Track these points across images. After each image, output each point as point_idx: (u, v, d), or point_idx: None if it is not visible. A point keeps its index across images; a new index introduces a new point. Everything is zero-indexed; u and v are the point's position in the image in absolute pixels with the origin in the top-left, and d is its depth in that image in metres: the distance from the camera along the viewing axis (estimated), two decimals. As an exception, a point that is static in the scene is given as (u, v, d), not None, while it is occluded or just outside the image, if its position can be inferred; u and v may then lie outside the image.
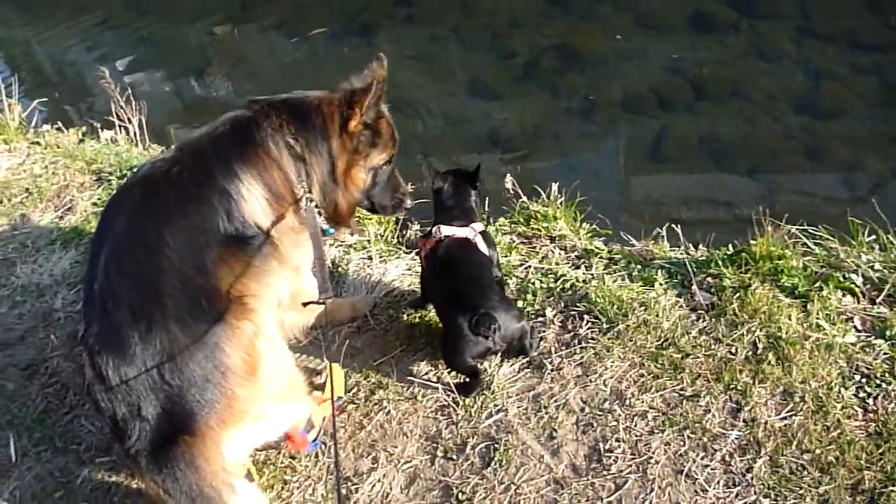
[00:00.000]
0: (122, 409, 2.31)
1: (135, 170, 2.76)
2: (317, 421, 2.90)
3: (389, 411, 3.05)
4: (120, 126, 5.53)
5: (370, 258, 3.85)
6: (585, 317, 3.23)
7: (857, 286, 3.24)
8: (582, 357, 3.08)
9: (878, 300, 3.19)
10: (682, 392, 2.89)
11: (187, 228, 2.48)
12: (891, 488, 2.51)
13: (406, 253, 3.88)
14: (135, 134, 5.52)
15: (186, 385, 2.30)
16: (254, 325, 2.47)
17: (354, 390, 3.14)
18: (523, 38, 7.02)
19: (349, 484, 2.85)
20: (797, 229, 3.55)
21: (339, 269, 3.77)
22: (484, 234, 3.20)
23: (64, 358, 3.44)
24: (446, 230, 3.11)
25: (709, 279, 3.37)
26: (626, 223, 4.25)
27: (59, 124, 5.67)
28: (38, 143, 5.41)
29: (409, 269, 3.73)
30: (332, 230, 2.87)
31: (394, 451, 2.92)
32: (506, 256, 3.68)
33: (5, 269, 4.14)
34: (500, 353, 3.05)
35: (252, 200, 2.59)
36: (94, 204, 4.60)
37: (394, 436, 2.97)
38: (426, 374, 3.15)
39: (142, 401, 2.29)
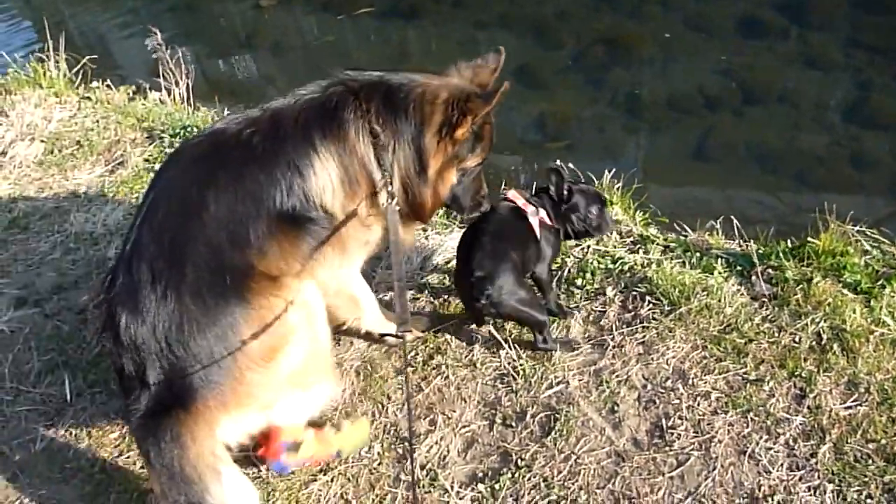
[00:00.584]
0: (130, 366, 2.27)
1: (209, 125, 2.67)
2: (303, 451, 2.68)
3: (448, 376, 3.05)
4: (166, 88, 5.54)
5: (424, 230, 3.84)
6: (647, 298, 3.23)
7: (920, 286, 3.23)
8: (644, 336, 3.08)
9: (940, 301, 3.17)
10: (745, 376, 2.89)
11: (237, 194, 2.36)
12: (958, 482, 2.50)
13: (460, 227, 3.88)
14: (182, 96, 5.53)
15: (191, 360, 2.23)
16: (284, 302, 2.36)
17: (413, 353, 3.13)
18: (570, 31, 7.00)
19: (406, 443, 2.85)
20: (856, 230, 3.55)
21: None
22: (547, 226, 3.09)
23: (92, 304, 3.46)
24: (513, 195, 3.09)
25: (769, 270, 3.37)
26: (676, 215, 4.24)
27: (109, 82, 5.67)
28: (88, 98, 5.42)
29: (465, 242, 3.72)
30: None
31: (452, 416, 2.93)
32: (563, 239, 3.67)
33: (59, 217, 4.17)
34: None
35: (323, 177, 2.45)
36: (146, 160, 4.62)
37: (452, 400, 2.98)
38: (486, 342, 3.14)
39: (147, 364, 2.24)
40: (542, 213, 3.07)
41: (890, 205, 5.18)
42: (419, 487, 2.73)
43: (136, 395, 2.26)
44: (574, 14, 7.24)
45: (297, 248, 2.45)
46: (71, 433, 3.01)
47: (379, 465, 2.82)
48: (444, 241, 3.72)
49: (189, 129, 4.70)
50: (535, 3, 7.47)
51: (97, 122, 5.05)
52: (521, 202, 3.07)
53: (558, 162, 4.22)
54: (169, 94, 5.47)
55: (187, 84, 5.57)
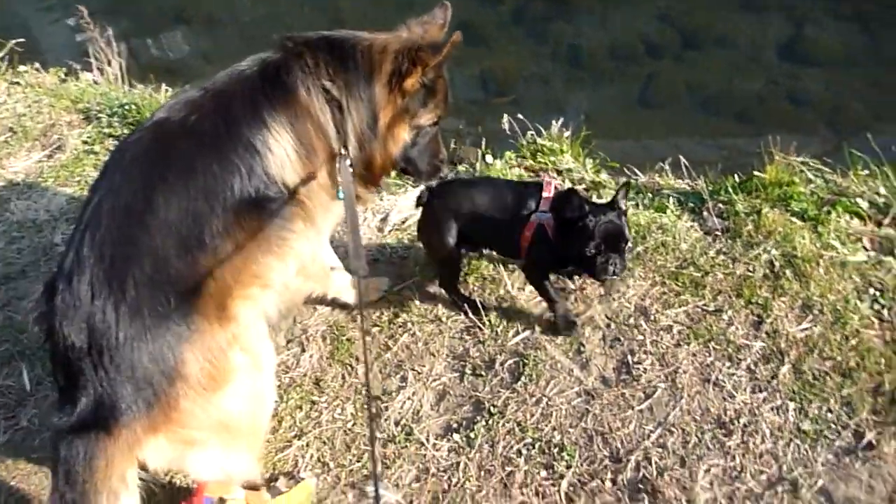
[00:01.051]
0: (62, 381, 2.14)
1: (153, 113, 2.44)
2: None
3: (415, 333, 3.06)
4: (98, 68, 5.35)
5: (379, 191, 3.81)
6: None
7: (864, 210, 3.34)
8: (604, 277, 3.12)
9: (884, 223, 3.29)
10: (704, 307, 2.96)
11: (190, 191, 2.18)
12: (910, 389, 2.62)
13: (413, 186, 3.86)
14: (115, 75, 5.35)
15: (122, 380, 2.05)
16: (231, 335, 2.21)
17: (378, 314, 3.13)
18: (502, -13, 6.96)
19: (379, 402, 2.86)
20: (800, 161, 3.64)
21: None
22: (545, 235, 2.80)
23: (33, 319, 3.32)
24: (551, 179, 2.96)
25: (720, 205, 3.44)
26: (626, 161, 4.29)
27: (37, 65, 5.46)
28: (17, 83, 5.21)
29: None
30: (342, 195, 2.43)
31: (422, 370, 2.94)
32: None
33: (-1, 206, 4.02)
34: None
35: (280, 153, 2.30)
36: (85, 142, 4.47)
37: (420, 356, 2.99)
38: (447, 298, 3.15)
39: (79, 381, 2.08)
40: (549, 218, 2.78)
41: (829, 137, 5.32)
42: (394, 443, 2.75)
43: (66, 408, 2.09)
44: (513, -32, 7.19)
45: (259, 238, 2.29)
46: (34, 423, 2.94)
47: (353, 425, 2.83)
48: (399, 202, 3.71)
49: (127, 107, 4.56)
50: (471, -42, 7.40)
51: (29, 106, 4.85)
52: (549, 191, 2.83)
53: (506, 118, 4.24)
54: (102, 74, 5.29)
55: (120, 63, 5.39)
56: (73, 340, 2.06)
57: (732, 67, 5.99)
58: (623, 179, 3.83)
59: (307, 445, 2.78)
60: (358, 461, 2.72)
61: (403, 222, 3.58)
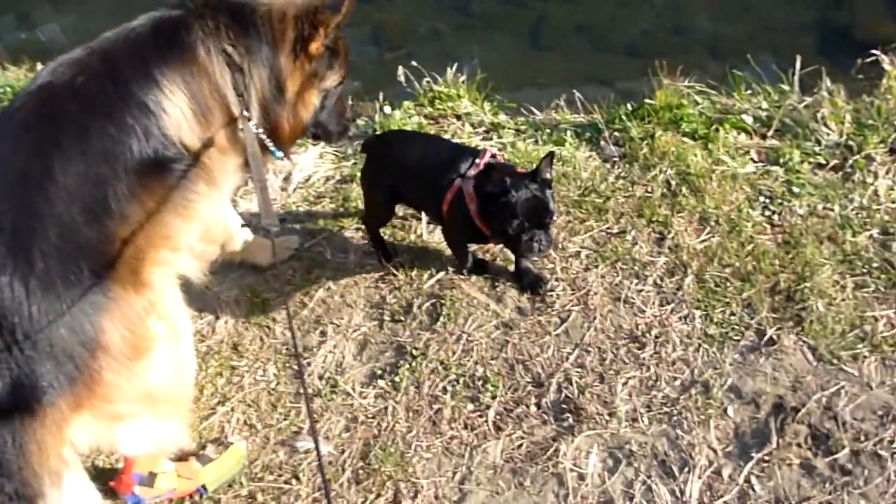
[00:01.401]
0: None
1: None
2: (160, 484, 2.43)
3: (329, 287, 3.04)
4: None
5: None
6: (507, 176, 3.31)
7: (749, 125, 3.50)
8: (511, 212, 3.17)
9: (768, 135, 3.45)
10: (609, 231, 3.06)
11: (86, 156, 2.07)
12: (803, 285, 2.79)
13: (313, 144, 3.80)
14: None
15: (40, 357, 1.94)
16: (147, 302, 2.13)
17: (291, 272, 3.10)
18: (390, -62, 6.85)
19: (302, 359, 2.84)
20: (686, 86, 3.77)
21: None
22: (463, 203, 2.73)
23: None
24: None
25: (615, 133, 3.53)
26: (523, 102, 4.33)
27: None
28: None
29: (321, 157, 3.66)
30: (278, 154, 2.49)
31: (340, 323, 2.94)
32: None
33: None
34: None
35: (175, 113, 2.20)
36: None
37: (338, 309, 2.98)
38: (362, 246, 3.15)
39: None
40: (470, 185, 2.69)
41: (714, 63, 5.49)
42: (321, 397, 2.75)
43: None
44: (391, -78, 7.07)
45: (165, 200, 2.20)
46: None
47: (277, 385, 2.81)
48: (300, 160, 3.64)
49: (2, 89, 4.30)
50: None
51: None
52: (482, 159, 2.73)
53: (401, 70, 4.21)
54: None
55: (-13, 47, 5.07)
56: None
57: (619, 5, 6.11)
58: (522, 119, 3.90)
59: (232, 410, 2.75)
60: (285, 419, 2.71)
61: (307, 180, 3.53)
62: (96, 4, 6.86)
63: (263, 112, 2.40)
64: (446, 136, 3.63)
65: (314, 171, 3.56)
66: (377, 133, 2.94)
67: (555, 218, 2.65)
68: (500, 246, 2.92)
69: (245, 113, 2.30)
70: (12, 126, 2.12)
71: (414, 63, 4.11)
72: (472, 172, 2.69)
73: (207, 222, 2.48)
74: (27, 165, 2.03)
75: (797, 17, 5.88)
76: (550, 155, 2.63)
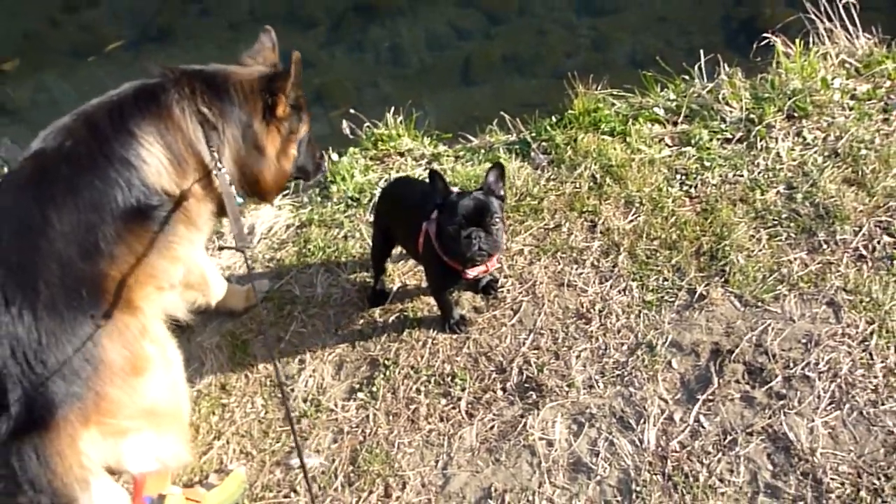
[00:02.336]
0: None
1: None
2: None
3: (303, 320, 3.29)
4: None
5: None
6: (450, 196, 3.62)
7: (661, 116, 3.85)
8: (456, 226, 3.46)
9: (678, 121, 3.80)
10: (546, 227, 3.36)
11: (77, 206, 2.35)
12: (723, 243, 3.11)
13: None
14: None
15: (52, 376, 2.18)
16: (140, 325, 2.40)
17: (266, 313, 3.35)
18: (320, 8, 7.27)
19: (285, 387, 3.08)
20: (601, 91, 4.13)
21: (217, 227, 3.91)
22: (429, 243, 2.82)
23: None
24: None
25: (543, 143, 3.86)
26: (460, 131, 4.66)
27: None
28: None
29: (279, 208, 3.95)
30: (241, 200, 2.75)
31: (316, 350, 3.18)
32: (365, 176, 3.99)
33: None
34: None
35: (154, 162, 2.47)
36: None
37: (312, 337, 3.23)
38: (325, 280, 3.41)
39: (8, 387, 2.17)
40: (433, 227, 2.75)
41: (629, 68, 5.88)
42: (307, 417, 2.97)
43: None
44: (318, -10, 7.52)
45: (150, 242, 2.48)
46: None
47: (266, 413, 3.03)
48: (261, 213, 3.92)
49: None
50: (279, -9, 7.67)
51: None
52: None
53: (345, 123, 4.55)
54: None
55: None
56: None
57: (539, 33, 6.53)
58: (459, 146, 4.22)
59: (227, 443, 2.97)
60: (277, 442, 2.93)
61: (269, 230, 3.80)
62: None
63: (240, 167, 2.70)
64: (390, 171, 3.93)
65: (274, 221, 3.84)
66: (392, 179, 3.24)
67: (496, 220, 2.60)
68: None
69: (218, 165, 2.58)
70: (13, 185, 2.44)
71: (353, 111, 4.44)
72: (434, 215, 2.74)
73: (188, 264, 2.76)
74: (28, 215, 2.33)
75: (707, 18, 6.36)
76: (497, 166, 2.69)
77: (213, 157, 2.57)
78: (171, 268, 2.59)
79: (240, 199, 2.74)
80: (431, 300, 3.18)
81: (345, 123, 4.60)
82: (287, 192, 4.07)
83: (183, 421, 2.65)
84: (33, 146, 2.50)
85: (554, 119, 4.04)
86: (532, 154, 3.82)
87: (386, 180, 3.86)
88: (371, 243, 3.29)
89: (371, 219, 3.55)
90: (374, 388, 2.98)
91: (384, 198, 3.20)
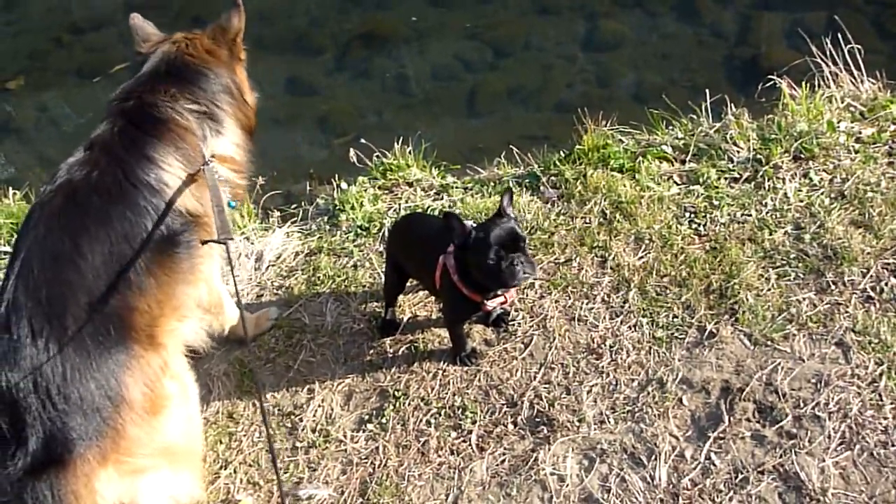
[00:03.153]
0: (6, 424, 2.19)
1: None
2: None
3: (311, 349, 3.30)
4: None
5: (248, 238, 4.04)
6: (460, 228, 3.64)
7: (669, 154, 3.90)
8: (467, 258, 3.48)
9: (686, 160, 3.85)
10: (556, 261, 3.38)
11: (110, 237, 2.38)
12: (732, 282, 3.13)
13: (279, 226, 4.11)
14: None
15: (72, 411, 2.18)
16: (162, 362, 2.41)
17: (273, 341, 3.35)
18: (326, 35, 7.35)
19: (293, 416, 3.08)
20: (609, 128, 4.19)
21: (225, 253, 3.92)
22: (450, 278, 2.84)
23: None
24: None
25: (552, 177, 3.90)
26: (465, 163, 4.70)
27: None
28: None
29: (288, 236, 3.97)
30: (234, 204, 2.85)
31: (325, 379, 3.18)
32: (374, 205, 4.02)
33: None
34: None
35: (175, 183, 2.53)
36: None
37: (321, 366, 3.23)
38: (335, 309, 3.42)
39: (27, 421, 2.17)
40: (451, 261, 2.79)
41: (637, 106, 5.95)
42: (315, 447, 2.97)
43: (12, 452, 2.17)
44: (325, 19, 7.59)
45: (174, 270, 2.51)
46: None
47: (273, 443, 3.02)
48: (270, 241, 3.94)
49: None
50: (286, 17, 7.75)
51: None
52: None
53: (352, 151, 4.58)
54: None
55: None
56: (15, 382, 2.17)
57: (543, 67, 6.62)
58: (468, 178, 4.26)
59: (234, 472, 2.95)
60: (285, 472, 2.92)
61: (278, 257, 3.81)
62: (51, 135, 7.20)
63: (242, 125, 2.85)
64: (399, 201, 3.96)
65: (283, 248, 3.85)
66: (401, 216, 3.36)
67: (526, 241, 2.68)
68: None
69: (208, 159, 2.62)
70: (44, 215, 2.44)
71: (363, 141, 4.48)
72: (451, 248, 2.79)
73: (209, 283, 2.82)
74: (60, 246, 2.35)
75: (708, 56, 6.46)
76: (508, 191, 2.77)
77: (204, 153, 2.63)
78: (194, 292, 2.63)
79: (233, 203, 2.83)
80: (441, 331, 3.20)
81: (352, 152, 4.64)
82: (295, 219, 4.11)
83: (198, 457, 2.65)
84: (58, 178, 2.51)
85: (563, 154, 4.08)
86: (541, 188, 3.86)
87: (395, 212, 3.89)
88: (384, 279, 3.29)
89: (381, 250, 3.56)
90: (384, 420, 2.98)
91: (396, 234, 3.23)
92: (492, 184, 4.02)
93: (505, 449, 2.83)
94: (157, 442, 2.35)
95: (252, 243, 3.96)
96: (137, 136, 2.55)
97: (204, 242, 2.64)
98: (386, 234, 3.60)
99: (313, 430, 3.03)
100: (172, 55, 2.75)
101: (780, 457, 2.63)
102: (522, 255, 2.62)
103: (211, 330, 3.04)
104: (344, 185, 4.31)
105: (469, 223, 2.77)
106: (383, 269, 3.35)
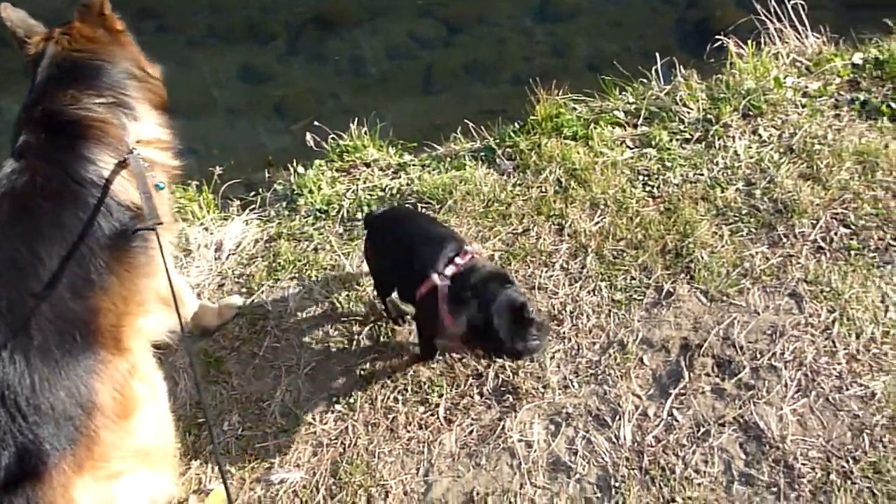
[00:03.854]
0: None
1: None
2: None
3: (276, 335, 3.29)
4: None
5: (206, 229, 4.01)
6: (419, 205, 3.65)
7: (621, 119, 3.93)
8: (426, 234, 3.49)
9: (638, 124, 3.89)
10: (514, 231, 3.41)
11: (65, 239, 2.32)
12: (687, 241, 3.19)
13: (237, 215, 4.08)
14: None
15: (43, 422, 2.11)
16: (129, 365, 2.36)
17: (237, 330, 3.34)
18: (278, 21, 7.26)
19: (261, 403, 3.08)
20: (563, 97, 4.20)
21: (184, 245, 3.89)
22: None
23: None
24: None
25: (508, 149, 3.92)
26: (425, 141, 4.70)
27: None
28: None
29: (247, 223, 3.95)
30: (163, 185, 2.73)
31: (291, 364, 3.18)
32: (332, 188, 4.01)
33: None
34: None
35: (117, 179, 2.47)
36: None
37: (285, 351, 3.23)
38: (298, 294, 3.42)
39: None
40: (445, 286, 2.59)
41: (588, 72, 5.97)
42: (285, 432, 2.97)
43: None
44: (276, 4, 7.50)
45: (133, 264, 2.47)
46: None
47: (242, 430, 3.02)
48: (229, 230, 3.91)
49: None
50: (237, 5, 7.64)
51: None
52: (463, 259, 2.64)
53: (308, 135, 4.56)
54: None
55: None
56: None
57: (498, 41, 6.61)
58: (425, 155, 4.25)
59: (205, 462, 2.95)
60: (256, 459, 2.92)
61: (237, 246, 3.79)
62: None
63: (156, 105, 2.77)
64: (357, 182, 3.95)
65: (243, 236, 3.83)
66: (380, 210, 3.15)
67: (533, 308, 2.46)
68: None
69: (131, 148, 2.56)
70: None
71: (316, 123, 4.46)
72: (450, 271, 2.60)
73: (166, 273, 2.71)
74: (16, 254, 2.28)
75: (661, 22, 6.49)
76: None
77: (126, 143, 2.56)
78: (154, 284, 2.58)
79: (162, 184, 2.73)
80: (404, 306, 3.20)
81: (309, 136, 4.61)
82: (254, 206, 4.09)
83: (172, 455, 2.63)
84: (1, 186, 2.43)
85: (517, 125, 4.10)
86: (497, 160, 3.87)
87: (353, 193, 3.88)
88: (373, 280, 3.16)
89: (341, 231, 3.55)
90: (352, 399, 2.99)
91: (376, 230, 2.99)
92: (448, 159, 4.03)
93: (472, 420, 2.86)
94: (130, 445, 2.30)
95: (211, 233, 3.94)
96: (66, 139, 2.49)
97: (134, 231, 2.56)
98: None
99: (282, 415, 3.03)
100: (60, 57, 2.64)
101: (740, 408, 2.69)
102: (534, 326, 2.42)
103: (174, 321, 3.01)
104: (301, 170, 4.30)
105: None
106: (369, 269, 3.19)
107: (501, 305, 2.41)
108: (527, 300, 2.45)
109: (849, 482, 2.49)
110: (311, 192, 3.91)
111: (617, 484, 2.61)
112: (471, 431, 2.83)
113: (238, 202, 4.28)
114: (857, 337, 2.81)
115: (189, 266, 3.65)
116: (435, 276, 2.59)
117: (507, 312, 2.40)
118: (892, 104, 3.63)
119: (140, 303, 2.52)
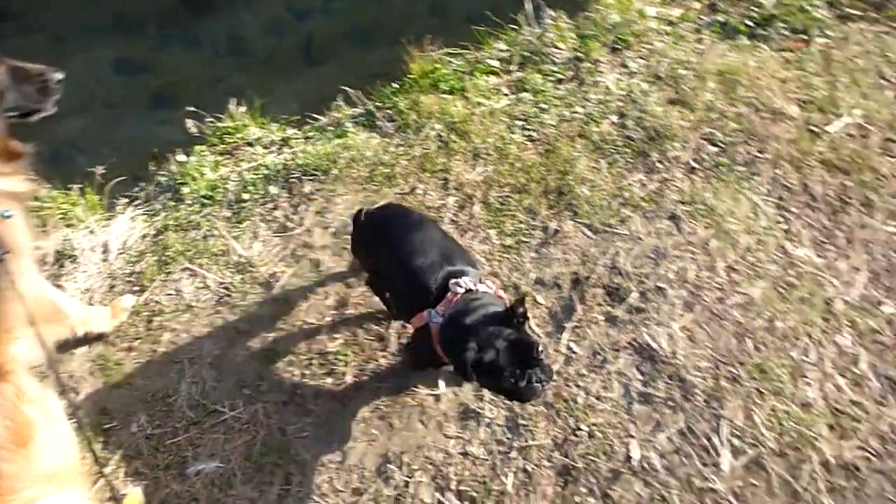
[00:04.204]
0: None
1: None
2: None
3: (174, 328, 3.23)
4: None
5: (91, 231, 3.88)
6: (304, 178, 3.62)
7: (496, 67, 3.95)
8: (316, 205, 3.47)
9: (513, 70, 3.92)
10: (402, 192, 3.41)
11: None
12: (567, 179, 3.26)
13: (121, 212, 3.96)
14: None
15: None
16: (16, 388, 2.28)
17: (134, 329, 3.26)
18: (146, 9, 7.00)
19: (168, 399, 3.02)
20: (436, 52, 4.20)
21: (69, 251, 3.75)
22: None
23: None
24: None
25: (387, 111, 3.90)
26: (305, 114, 4.62)
27: None
28: None
29: (133, 220, 3.83)
30: (9, 213, 2.55)
31: (193, 355, 3.13)
32: (215, 172, 3.92)
33: None
34: None
35: None
36: None
37: (187, 343, 3.17)
38: (191, 284, 3.35)
39: None
40: (438, 321, 2.37)
41: (466, 26, 5.97)
42: (196, 426, 2.94)
43: None
44: (141, -9, 7.22)
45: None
46: None
47: (151, 430, 2.97)
48: (113, 229, 3.79)
49: None
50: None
51: None
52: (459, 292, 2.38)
53: (189, 122, 4.42)
54: None
55: None
56: None
57: (376, 3, 6.54)
58: (308, 127, 4.20)
59: (117, 468, 2.89)
60: (168, 455, 2.88)
61: (124, 244, 3.68)
62: None
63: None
64: (242, 163, 3.87)
65: (129, 234, 3.72)
66: (373, 208, 2.81)
67: (541, 349, 2.28)
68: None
69: None
70: None
71: (194, 108, 4.33)
72: (442, 309, 2.37)
73: (34, 295, 2.64)
74: None
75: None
76: (522, 299, 2.28)
77: None
78: (19, 308, 2.47)
79: (8, 212, 2.58)
80: (301, 282, 3.19)
81: (189, 122, 4.48)
82: (137, 201, 3.97)
83: (80, 471, 2.56)
84: None
85: (395, 86, 4.08)
86: (378, 124, 3.86)
87: (238, 175, 3.80)
88: (367, 276, 2.99)
89: (229, 214, 3.48)
90: (258, 382, 2.97)
91: (368, 230, 2.71)
92: (331, 128, 3.99)
93: (379, 383, 2.88)
94: (35, 471, 2.22)
95: (95, 235, 3.81)
96: None
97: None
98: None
99: (190, 408, 2.99)
100: None
101: (633, 332, 2.79)
102: (538, 366, 2.23)
103: (63, 337, 2.92)
104: (182, 157, 4.19)
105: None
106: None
107: (503, 353, 2.18)
108: (535, 341, 2.25)
109: (738, 385, 2.62)
110: (194, 179, 3.82)
111: (525, 422, 2.68)
112: (380, 394, 2.85)
113: (125, 199, 4.15)
114: (734, 248, 2.94)
115: (75, 272, 3.52)
116: (426, 314, 2.38)
117: (511, 357, 2.19)
118: (749, 22, 3.77)
119: (8, 329, 2.44)
